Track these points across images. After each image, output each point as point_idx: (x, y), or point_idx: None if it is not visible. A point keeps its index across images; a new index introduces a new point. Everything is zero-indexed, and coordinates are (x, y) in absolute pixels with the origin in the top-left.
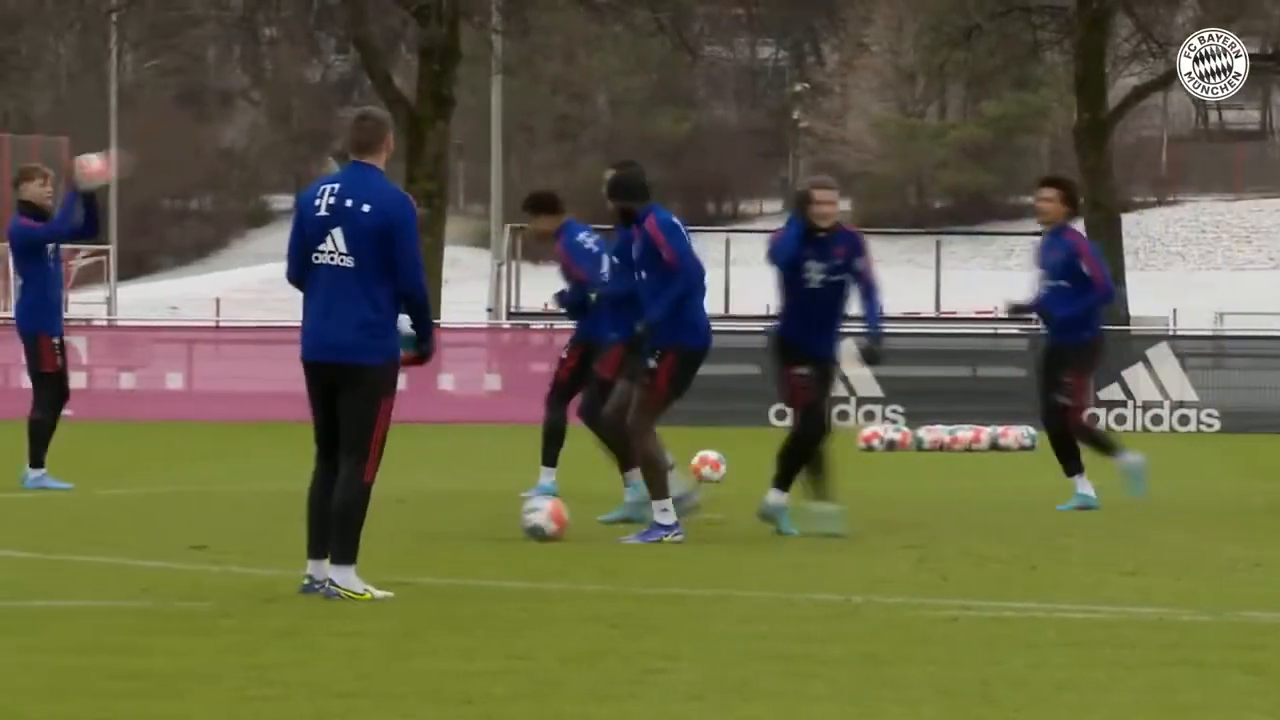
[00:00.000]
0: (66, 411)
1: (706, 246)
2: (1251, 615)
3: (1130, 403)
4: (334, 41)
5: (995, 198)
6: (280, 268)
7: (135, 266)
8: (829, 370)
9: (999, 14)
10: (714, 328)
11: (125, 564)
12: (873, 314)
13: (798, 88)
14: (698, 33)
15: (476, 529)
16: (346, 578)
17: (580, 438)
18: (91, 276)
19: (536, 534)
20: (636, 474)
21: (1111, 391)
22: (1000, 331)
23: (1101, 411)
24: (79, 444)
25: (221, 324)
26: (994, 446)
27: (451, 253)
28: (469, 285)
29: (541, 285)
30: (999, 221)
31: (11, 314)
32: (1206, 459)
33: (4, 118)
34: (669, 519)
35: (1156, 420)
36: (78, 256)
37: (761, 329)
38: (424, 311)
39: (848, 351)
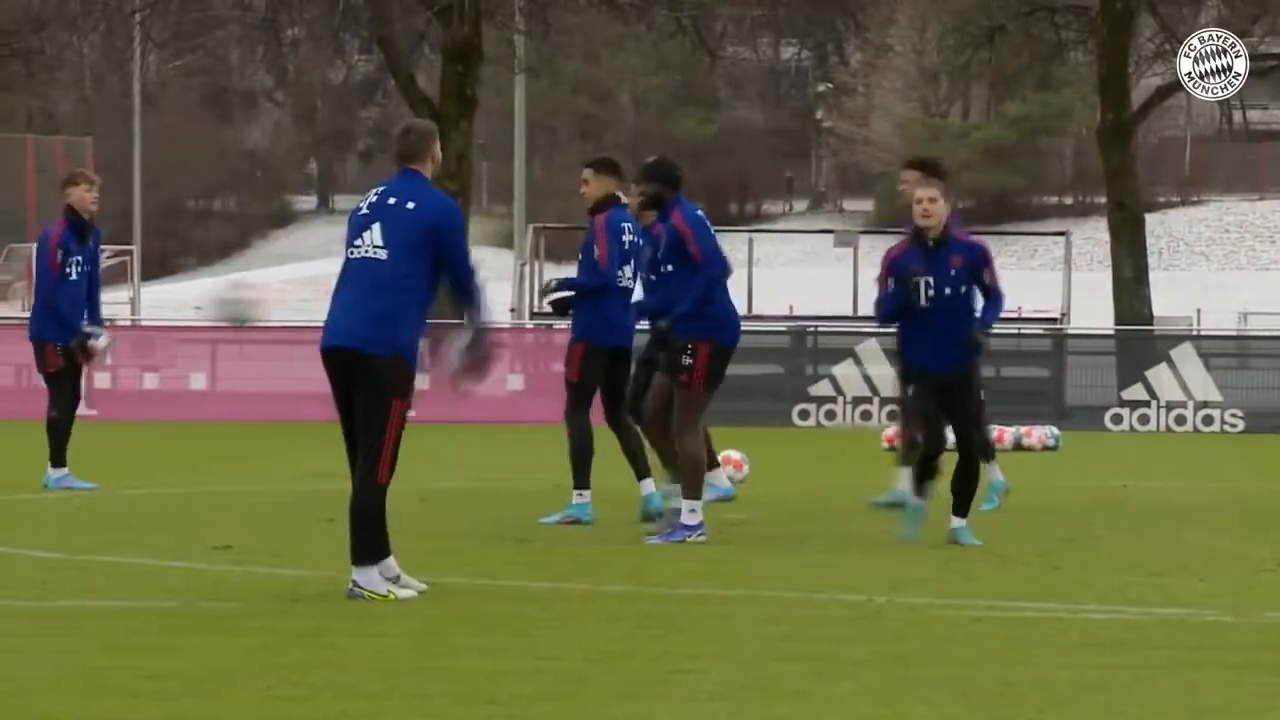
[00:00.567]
0: (91, 411)
1: (730, 247)
2: (1276, 616)
3: (1154, 403)
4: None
5: (1019, 198)
6: (302, 268)
7: (159, 267)
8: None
9: (1023, 14)
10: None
11: (151, 564)
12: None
13: (821, 88)
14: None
15: (500, 529)
16: (369, 578)
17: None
18: (115, 277)
19: None
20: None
21: (1135, 392)
22: (1024, 332)
23: (1125, 411)
24: (103, 444)
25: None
26: (1017, 446)
27: (475, 253)
28: (492, 286)
29: None
30: (1022, 222)
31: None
32: (1230, 459)
33: (28, 118)
34: (695, 519)
35: (1180, 420)
36: (102, 257)
37: (784, 329)
38: (476, 310)
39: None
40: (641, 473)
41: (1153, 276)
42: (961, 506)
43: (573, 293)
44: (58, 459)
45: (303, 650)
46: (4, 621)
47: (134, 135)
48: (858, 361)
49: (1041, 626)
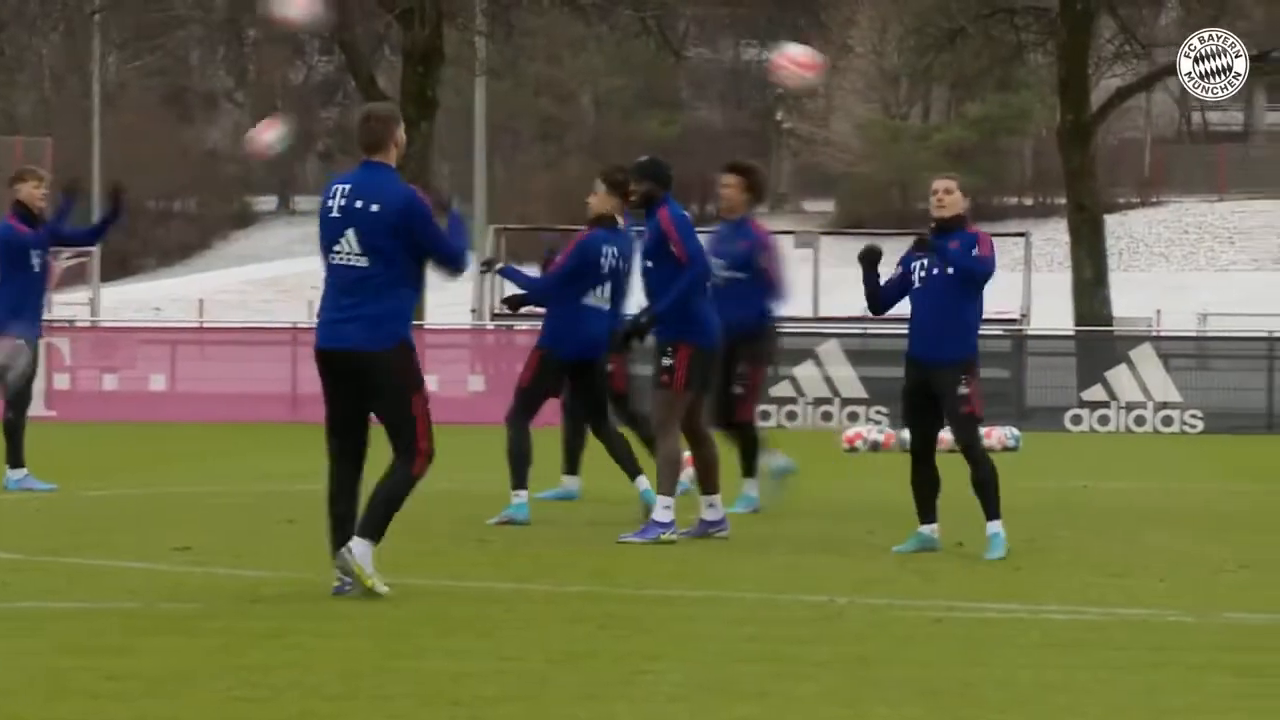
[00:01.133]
0: (50, 412)
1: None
2: (1238, 617)
3: (1113, 403)
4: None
5: (979, 199)
6: (262, 269)
7: (119, 267)
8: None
9: (983, 16)
10: None
11: (111, 565)
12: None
13: (781, 89)
14: (683, 34)
15: (462, 530)
16: (365, 552)
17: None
18: (74, 277)
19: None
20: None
21: (1095, 392)
22: (984, 333)
23: (1085, 412)
24: (62, 445)
25: (205, 325)
26: None
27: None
28: (452, 286)
29: None
30: (982, 223)
31: None
32: (1190, 460)
33: None
34: (667, 516)
35: (1140, 421)
36: (60, 257)
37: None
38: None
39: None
40: (633, 473)
41: (1112, 277)
42: (986, 509)
43: (524, 292)
44: (15, 460)
45: (264, 651)
46: None
47: (94, 135)
48: (819, 363)
49: (1002, 627)
